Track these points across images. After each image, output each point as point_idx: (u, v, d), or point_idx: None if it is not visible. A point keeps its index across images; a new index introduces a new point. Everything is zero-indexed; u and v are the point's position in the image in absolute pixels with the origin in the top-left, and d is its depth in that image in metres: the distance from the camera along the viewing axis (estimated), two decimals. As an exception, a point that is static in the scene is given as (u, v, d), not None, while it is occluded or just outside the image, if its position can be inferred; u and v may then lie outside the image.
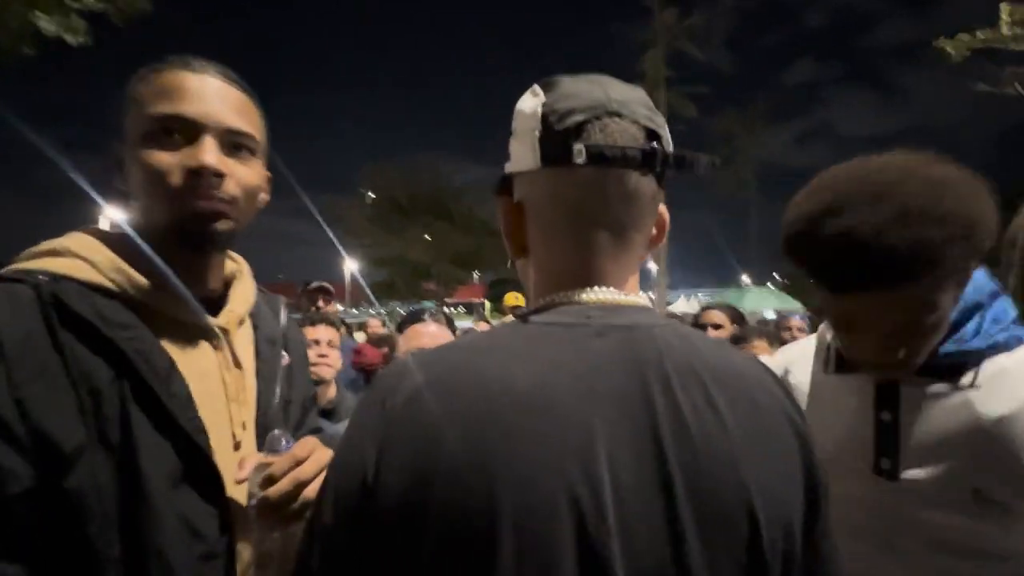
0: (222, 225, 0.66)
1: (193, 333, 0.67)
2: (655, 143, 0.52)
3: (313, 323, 2.00)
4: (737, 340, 2.14)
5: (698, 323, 2.67)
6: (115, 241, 0.65)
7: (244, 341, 0.74)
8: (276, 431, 0.65)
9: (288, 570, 0.62)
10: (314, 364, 1.93)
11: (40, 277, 0.58)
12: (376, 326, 5.88)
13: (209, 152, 0.64)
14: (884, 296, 0.67)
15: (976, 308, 0.74)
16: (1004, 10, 4.89)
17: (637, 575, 0.42)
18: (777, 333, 3.12)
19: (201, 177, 0.63)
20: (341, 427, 0.62)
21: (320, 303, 3.14)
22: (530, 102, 0.54)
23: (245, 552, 0.65)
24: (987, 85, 5.54)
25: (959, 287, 0.70)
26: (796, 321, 3.13)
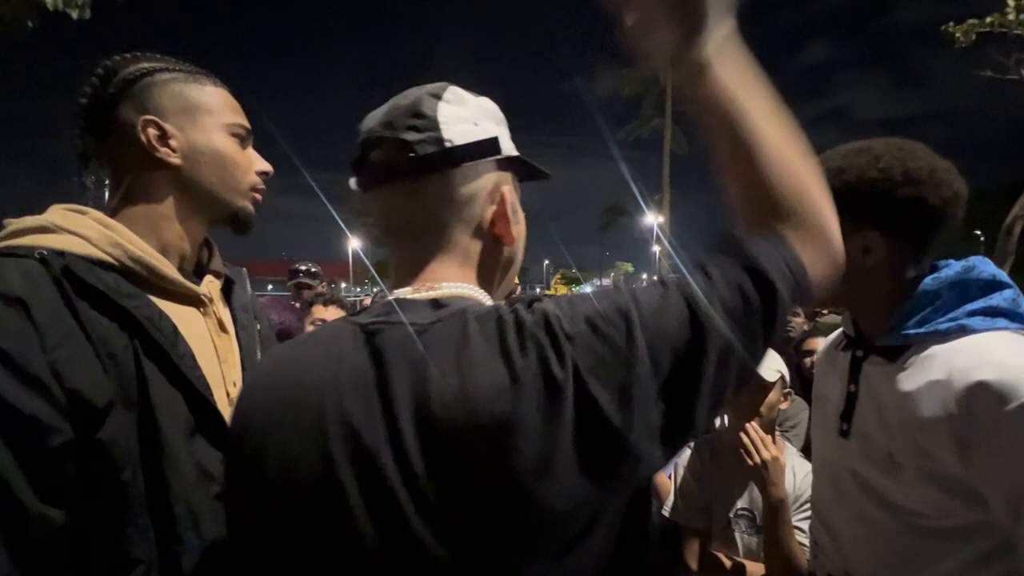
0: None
1: (184, 300, 0.74)
2: (410, 153, 0.56)
3: (326, 304, 2.17)
4: None
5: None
6: (97, 216, 0.70)
7: (224, 309, 0.81)
8: None
9: None
10: None
11: (43, 252, 0.62)
12: (369, 303, 5.90)
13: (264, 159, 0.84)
14: None
15: (931, 298, 0.82)
16: None
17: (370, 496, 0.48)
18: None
19: (266, 177, 0.83)
20: None
21: (304, 293, 3.29)
22: None
23: None
24: (994, 72, 5.49)
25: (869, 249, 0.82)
26: None
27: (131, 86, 0.73)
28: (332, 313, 2.16)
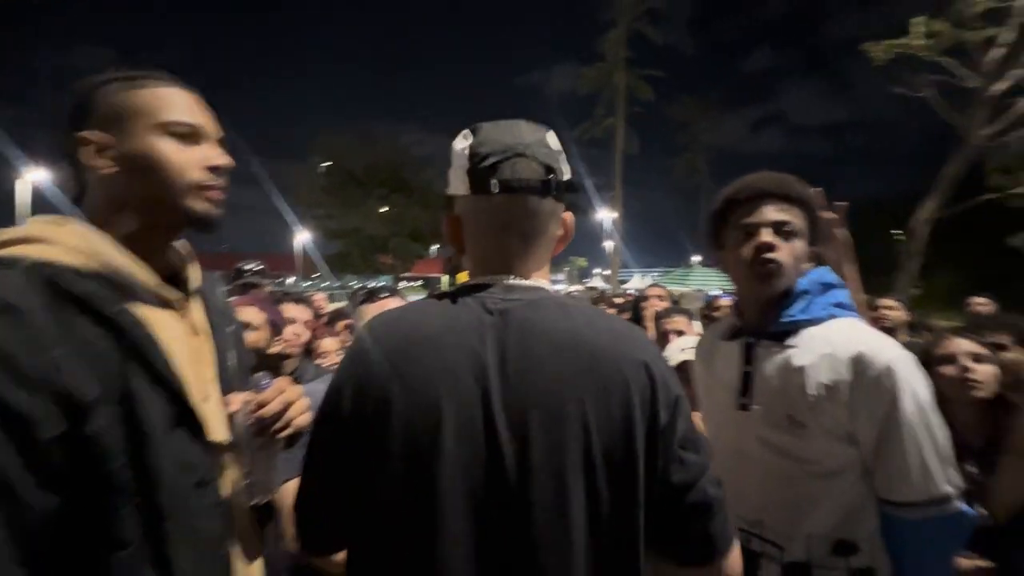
0: (220, 211, 0.82)
1: (160, 304, 0.77)
2: (551, 175, 0.73)
3: (296, 302, 2.27)
4: (659, 316, 2.42)
5: (641, 298, 3.01)
6: (76, 227, 0.73)
7: (198, 312, 0.85)
8: (259, 374, 0.83)
9: (269, 487, 0.83)
10: (287, 339, 2.17)
11: (30, 262, 0.66)
12: (321, 300, 5.57)
13: (224, 154, 0.82)
14: None
15: (806, 293, 1.07)
16: (915, 24, 5.36)
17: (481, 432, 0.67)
18: (708, 312, 3.46)
19: (220, 173, 0.81)
20: (310, 387, 0.80)
21: (252, 293, 3.31)
22: (461, 143, 0.76)
23: (228, 478, 0.81)
24: (905, 89, 6.06)
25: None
26: (725, 300, 3.46)
27: (78, 107, 0.76)
28: (301, 312, 2.22)
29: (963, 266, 13.77)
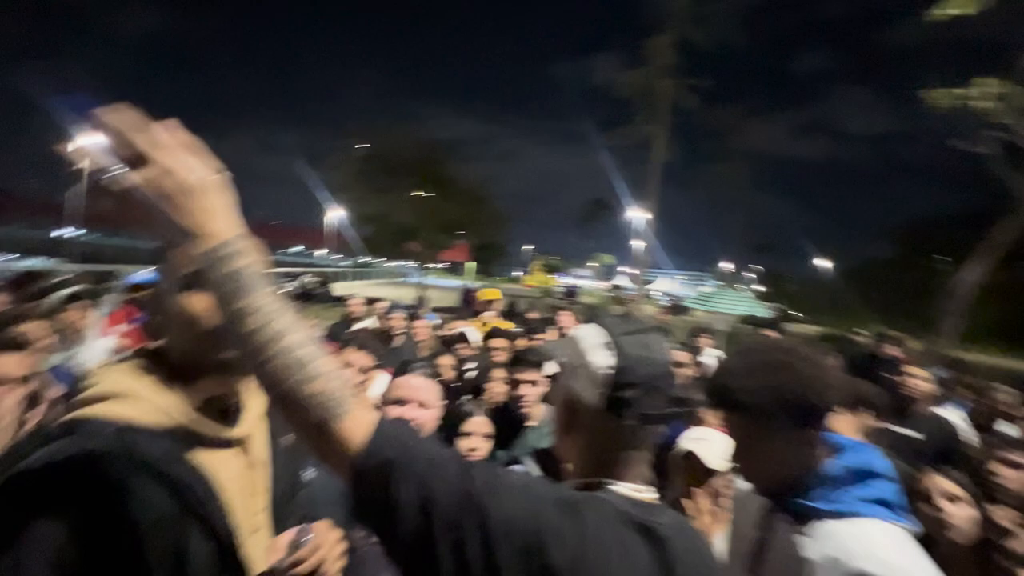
0: None
1: (224, 444, 0.82)
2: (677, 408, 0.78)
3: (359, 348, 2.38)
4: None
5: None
6: (151, 380, 0.78)
7: (258, 442, 0.87)
8: (302, 526, 0.88)
9: None
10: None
11: (110, 430, 0.71)
12: (357, 306, 5.26)
13: None
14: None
15: (833, 477, 0.97)
16: (979, 83, 5.06)
17: None
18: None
19: None
20: None
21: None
22: (600, 357, 0.77)
23: None
24: (964, 143, 5.75)
25: (764, 437, 0.99)
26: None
27: None
28: (359, 358, 2.35)
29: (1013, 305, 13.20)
